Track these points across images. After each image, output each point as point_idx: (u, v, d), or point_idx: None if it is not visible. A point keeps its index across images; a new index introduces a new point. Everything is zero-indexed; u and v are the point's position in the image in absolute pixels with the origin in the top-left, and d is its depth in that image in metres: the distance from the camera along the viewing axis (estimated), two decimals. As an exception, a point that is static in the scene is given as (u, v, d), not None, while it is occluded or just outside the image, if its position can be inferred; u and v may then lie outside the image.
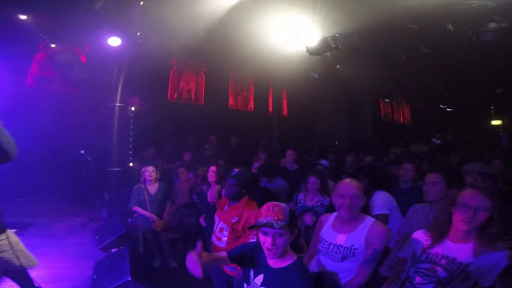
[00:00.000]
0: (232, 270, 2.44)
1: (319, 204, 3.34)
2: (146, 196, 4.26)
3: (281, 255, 1.61)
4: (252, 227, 1.71)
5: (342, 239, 1.96)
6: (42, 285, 2.61)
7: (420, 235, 1.80)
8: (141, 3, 4.88)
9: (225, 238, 2.54)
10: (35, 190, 5.79)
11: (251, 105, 9.47)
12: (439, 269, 1.61)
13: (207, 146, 7.47)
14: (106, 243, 3.96)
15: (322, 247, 2.02)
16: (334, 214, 2.12)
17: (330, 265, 1.97)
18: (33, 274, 2.60)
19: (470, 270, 1.56)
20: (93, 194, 5.85)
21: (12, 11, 5.01)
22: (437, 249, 1.67)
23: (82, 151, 5.52)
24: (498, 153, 7.26)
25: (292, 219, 1.64)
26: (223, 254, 1.79)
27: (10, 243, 2.30)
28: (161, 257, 4.14)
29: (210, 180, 3.62)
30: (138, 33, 5.27)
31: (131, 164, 6.22)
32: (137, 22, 5.07)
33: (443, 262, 1.61)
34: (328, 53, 5.72)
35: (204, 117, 8.21)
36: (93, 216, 5.47)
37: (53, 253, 3.73)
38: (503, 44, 5.57)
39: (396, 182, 3.55)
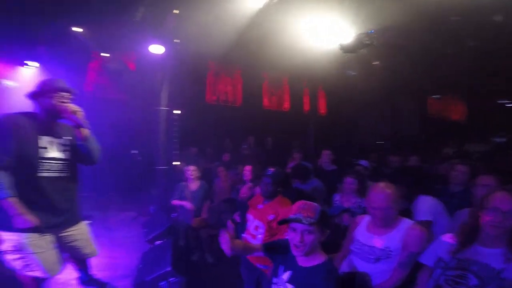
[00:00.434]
0: (264, 267, 2.49)
1: (356, 206, 3.19)
2: (187, 192, 4.50)
3: (309, 254, 1.60)
4: (281, 222, 1.73)
5: (377, 241, 1.90)
6: (95, 272, 2.87)
7: (446, 240, 1.68)
8: (175, 11, 5.14)
9: (261, 236, 2.58)
10: (93, 186, 6.40)
11: (286, 104, 9.41)
12: (470, 275, 1.49)
13: (245, 146, 7.63)
14: (152, 236, 4.27)
15: (355, 247, 1.98)
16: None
17: (363, 266, 1.93)
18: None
19: (504, 277, 1.43)
20: (142, 190, 6.30)
21: (66, 25, 5.56)
22: (467, 254, 1.56)
23: (135, 151, 5.96)
24: None
25: (324, 219, 1.62)
26: (257, 244, 1.84)
27: (83, 233, 2.52)
28: (200, 252, 4.31)
29: (245, 178, 3.71)
30: (176, 40, 5.55)
31: (177, 163, 6.59)
32: (173, 29, 5.34)
33: (474, 268, 1.50)
34: (364, 50, 5.49)
35: (241, 118, 8.35)
36: (142, 210, 5.90)
37: (105, 243, 4.05)
38: None
39: (446, 184, 3.27)
